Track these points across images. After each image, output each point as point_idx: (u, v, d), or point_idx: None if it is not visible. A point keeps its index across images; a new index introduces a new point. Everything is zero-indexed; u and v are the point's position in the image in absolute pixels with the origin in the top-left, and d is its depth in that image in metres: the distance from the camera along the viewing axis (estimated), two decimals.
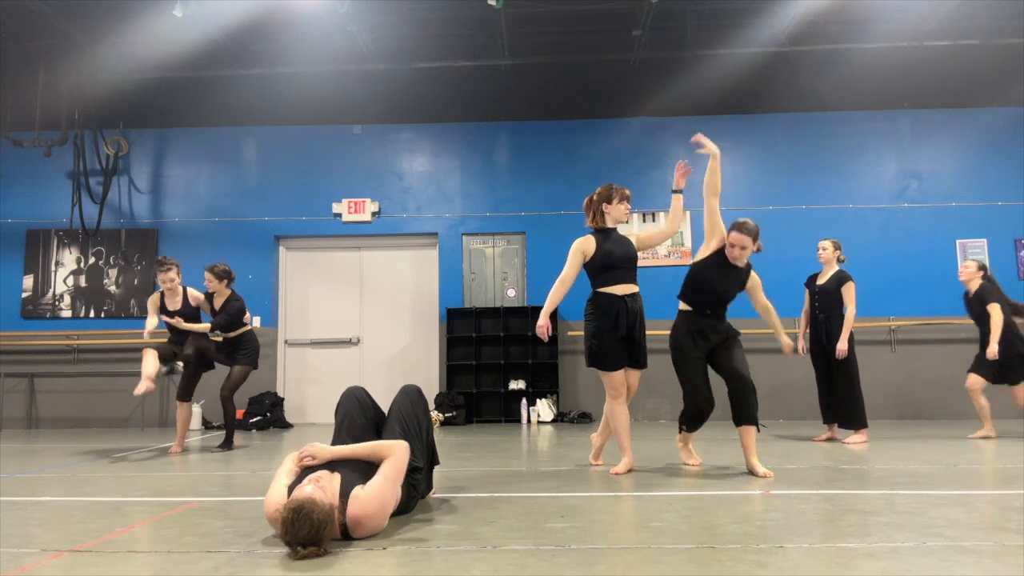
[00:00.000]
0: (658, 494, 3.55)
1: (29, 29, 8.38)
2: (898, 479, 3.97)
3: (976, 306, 6.30)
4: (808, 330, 6.37)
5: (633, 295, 4.45)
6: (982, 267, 6.40)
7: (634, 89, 9.31)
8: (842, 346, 5.91)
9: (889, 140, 9.40)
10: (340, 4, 7.41)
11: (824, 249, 6.28)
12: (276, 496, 2.67)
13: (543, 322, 4.28)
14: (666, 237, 4.73)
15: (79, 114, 9.31)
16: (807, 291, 6.39)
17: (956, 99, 9.30)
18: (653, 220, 9.28)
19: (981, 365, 6.26)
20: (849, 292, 6.04)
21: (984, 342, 6.18)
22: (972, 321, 6.45)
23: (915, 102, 9.37)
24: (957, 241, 9.09)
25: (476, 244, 9.54)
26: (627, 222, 4.61)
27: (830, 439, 6.13)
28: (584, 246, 4.41)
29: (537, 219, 9.43)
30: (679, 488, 3.74)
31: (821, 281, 6.24)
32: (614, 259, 4.37)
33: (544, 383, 9.00)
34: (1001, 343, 6.03)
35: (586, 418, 8.73)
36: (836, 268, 6.21)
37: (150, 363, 5.71)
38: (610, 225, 4.51)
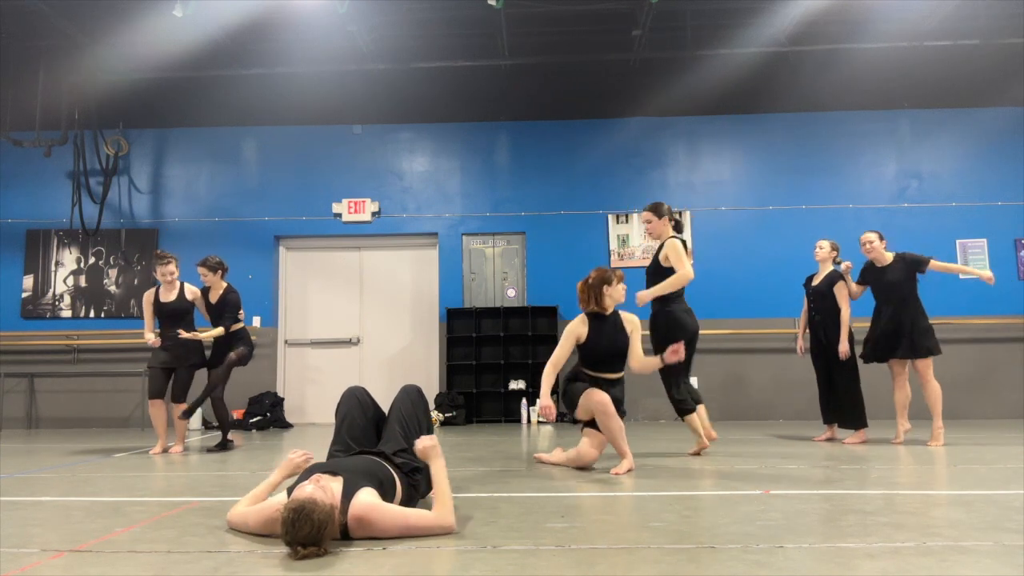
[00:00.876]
0: (658, 494, 3.55)
1: (29, 29, 8.38)
2: (898, 479, 3.97)
3: (899, 278, 5.80)
4: (807, 330, 6.36)
5: (614, 381, 4.55)
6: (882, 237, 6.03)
7: (634, 89, 9.31)
8: (843, 347, 5.88)
9: (889, 140, 9.41)
10: (340, 4, 7.41)
11: (820, 248, 6.19)
12: (274, 499, 2.69)
13: (546, 403, 4.29)
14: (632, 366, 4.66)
15: (79, 114, 9.32)
16: (805, 292, 6.38)
17: (956, 99, 9.30)
18: None
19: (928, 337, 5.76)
20: (841, 292, 5.99)
21: (909, 317, 5.72)
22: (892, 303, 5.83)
23: (915, 102, 9.37)
24: (957, 241, 9.09)
25: (476, 244, 9.54)
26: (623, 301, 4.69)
27: (830, 439, 6.13)
28: (578, 332, 4.50)
29: (537, 219, 9.43)
30: (679, 488, 3.74)
31: (816, 282, 6.21)
32: (602, 354, 4.49)
33: None
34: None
35: None
36: (831, 268, 6.16)
37: (158, 416, 5.96)
38: (609, 309, 4.57)
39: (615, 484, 3.88)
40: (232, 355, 6.05)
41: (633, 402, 8.98)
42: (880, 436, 6.27)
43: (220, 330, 6.07)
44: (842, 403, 5.98)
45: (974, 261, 9.06)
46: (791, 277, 8.80)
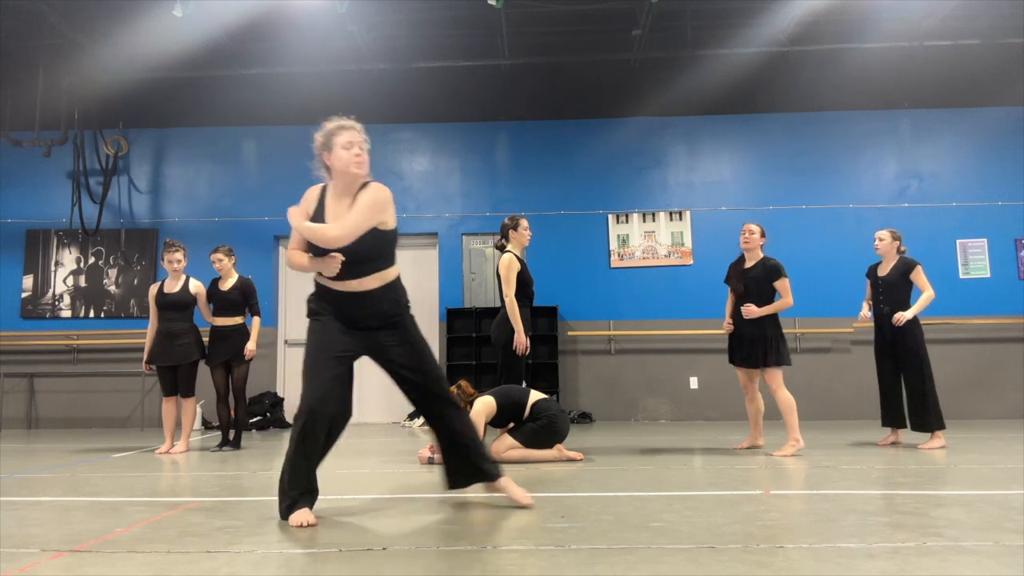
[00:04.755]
0: (658, 494, 3.54)
1: (29, 29, 8.38)
2: (898, 479, 3.97)
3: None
4: (871, 310, 5.94)
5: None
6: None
7: (634, 89, 9.32)
8: (905, 315, 5.48)
9: (889, 140, 9.40)
10: (340, 4, 7.41)
11: (881, 240, 5.83)
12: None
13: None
14: None
15: (79, 114, 9.31)
16: (869, 282, 5.99)
17: (956, 99, 9.30)
18: (653, 220, 9.27)
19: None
20: (920, 278, 5.61)
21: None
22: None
23: (915, 102, 9.37)
24: (957, 241, 9.09)
25: (476, 244, 9.54)
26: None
27: (895, 443, 5.75)
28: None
29: (537, 219, 9.41)
30: (679, 488, 3.74)
31: (884, 272, 5.81)
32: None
33: (544, 383, 9.00)
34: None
35: (586, 418, 8.72)
36: (897, 257, 5.78)
37: (169, 415, 6.00)
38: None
39: (615, 484, 3.88)
40: (243, 368, 6.12)
41: (632, 402, 8.98)
42: (880, 436, 6.26)
43: (257, 321, 6.18)
44: (915, 403, 5.56)
45: (974, 261, 9.06)
46: (791, 277, 8.79)
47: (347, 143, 3.06)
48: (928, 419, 5.47)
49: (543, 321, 9.07)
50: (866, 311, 5.97)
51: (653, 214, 9.31)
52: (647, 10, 8.01)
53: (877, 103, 9.36)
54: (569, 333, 9.03)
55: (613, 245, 9.23)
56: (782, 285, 5.48)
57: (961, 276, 9.02)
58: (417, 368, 3.10)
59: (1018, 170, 9.18)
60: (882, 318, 5.76)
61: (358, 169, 3.10)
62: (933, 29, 8.42)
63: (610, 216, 9.31)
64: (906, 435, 6.04)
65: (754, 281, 5.52)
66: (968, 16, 8.32)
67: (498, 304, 9.32)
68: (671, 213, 9.30)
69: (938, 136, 9.37)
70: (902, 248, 5.86)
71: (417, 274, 9.70)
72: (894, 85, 9.22)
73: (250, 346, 6.06)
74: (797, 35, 8.52)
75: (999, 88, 9.13)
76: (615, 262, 9.14)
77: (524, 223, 5.74)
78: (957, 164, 9.30)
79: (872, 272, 5.97)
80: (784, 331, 5.57)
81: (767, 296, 5.47)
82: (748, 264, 5.62)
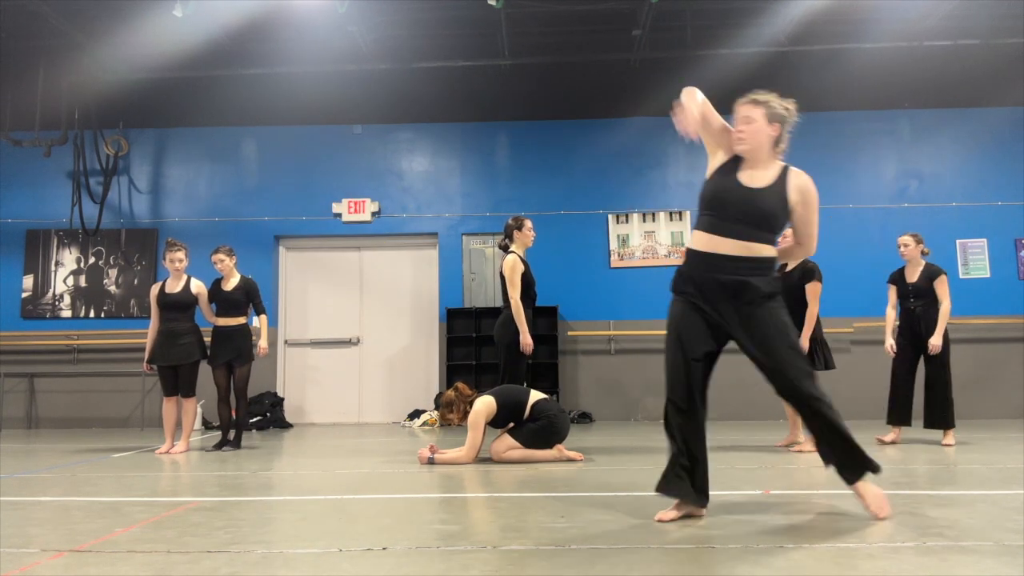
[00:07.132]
0: (658, 494, 3.54)
1: (29, 29, 8.38)
2: (898, 479, 3.97)
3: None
4: (896, 325, 6.00)
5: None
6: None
7: (634, 89, 9.30)
8: (936, 340, 5.62)
9: (889, 140, 9.40)
10: (340, 4, 7.41)
11: (905, 246, 5.89)
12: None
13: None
14: None
15: (79, 114, 9.31)
16: (893, 287, 6.03)
17: (956, 99, 9.29)
18: (653, 220, 9.27)
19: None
20: (942, 287, 5.73)
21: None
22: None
23: (915, 102, 9.36)
24: (957, 241, 9.09)
25: (476, 244, 9.53)
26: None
27: (893, 442, 5.78)
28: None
29: (537, 219, 9.36)
30: None
31: (914, 279, 5.86)
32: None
33: (544, 383, 8.99)
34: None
35: (586, 418, 8.72)
36: (924, 263, 5.87)
37: (170, 415, 5.99)
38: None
39: (615, 484, 3.88)
40: (244, 369, 6.14)
41: (632, 402, 8.98)
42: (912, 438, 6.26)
43: (264, 319, 6.23)
44: (935, 401, 5.68)
45: (974, 261, 9.06)
46: None
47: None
48: (946, 416, 5.63)
49: (543, 321, 9.06)
50: (891, 342, 5.96)
51: (653, 214, 9.30)
52: (647, 10, 8.00)
53: (877, 103, 9.35)
54: (569, 333, 9.02)
55: (613, 245, 9.23)
56: (812, 289, 5.44)
57: (961, 276, 9.01)
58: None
59: (1018, 170, 9.17)
60: (910, 315, 5.85)
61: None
62: (932, 29, 8.42)
63: (610, 216, 9.31)
64: (907, 433, 6.04)
65: (788, 287, 5.13)
66: (967, 16, 8.32)
67: (498, 304, 9.39)
68: (671, 213, 9.30)
69: (938, 136, 9.36)
70: (926, 250, 5.93)
71: (417, 274, 9.71)
72: (894, 85, 9.20)
73: (263, 344, 6.12)
74: (797, 35, 8.51)
75: (999, 88, 9.12)
76: (615, 262, 9.14)
77: (528, 223, 5.77)
78: (957, 164, 9.29)
79: (898, 278, 6.02)
80: (822, 334, 5.55)
81: (799, 302, 5.36)
82: (788, 268, 5.57)
